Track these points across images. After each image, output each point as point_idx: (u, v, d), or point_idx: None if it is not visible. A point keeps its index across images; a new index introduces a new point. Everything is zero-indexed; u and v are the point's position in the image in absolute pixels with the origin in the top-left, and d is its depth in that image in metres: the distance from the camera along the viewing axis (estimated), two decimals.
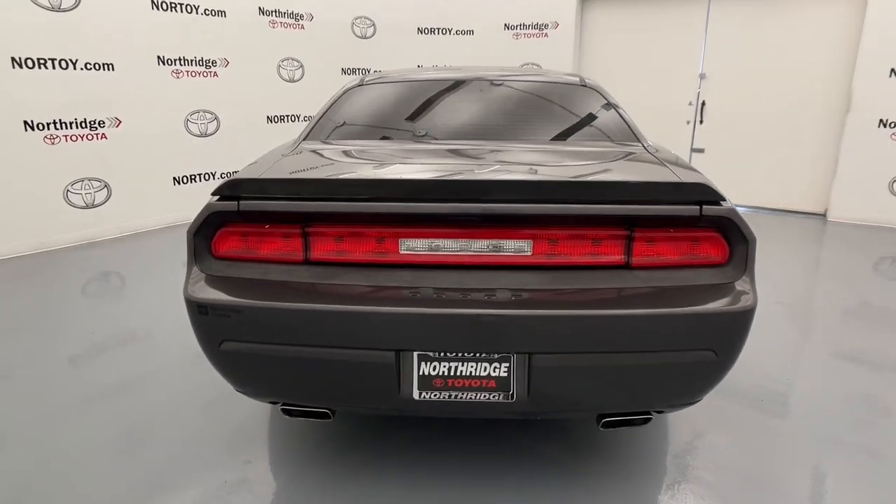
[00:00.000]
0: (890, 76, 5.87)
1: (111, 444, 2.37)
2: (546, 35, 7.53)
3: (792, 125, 6.67)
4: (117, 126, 5.33)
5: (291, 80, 6.74)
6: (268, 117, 6.60)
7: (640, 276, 1.80)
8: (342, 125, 2.63)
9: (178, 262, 4.80)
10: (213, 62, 5.97)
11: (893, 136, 5.96)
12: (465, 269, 1.81)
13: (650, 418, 1.93)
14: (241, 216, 1.81)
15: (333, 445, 2.36)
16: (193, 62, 5.80)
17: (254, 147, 6.35)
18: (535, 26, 7.57)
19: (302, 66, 6.80)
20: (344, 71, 7.26)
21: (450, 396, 1.79)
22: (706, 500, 2.07)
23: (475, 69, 2.99)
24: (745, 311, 1.74)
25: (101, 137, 5.24)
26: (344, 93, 2.84)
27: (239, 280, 1.83)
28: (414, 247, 1.80)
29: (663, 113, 7.21)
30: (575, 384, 1.79)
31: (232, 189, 1.80)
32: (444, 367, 1.78)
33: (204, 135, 6.02)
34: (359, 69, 7.37)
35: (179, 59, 5.68)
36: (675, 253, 1.81)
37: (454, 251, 1.80)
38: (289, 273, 1.83)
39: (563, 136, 2.54)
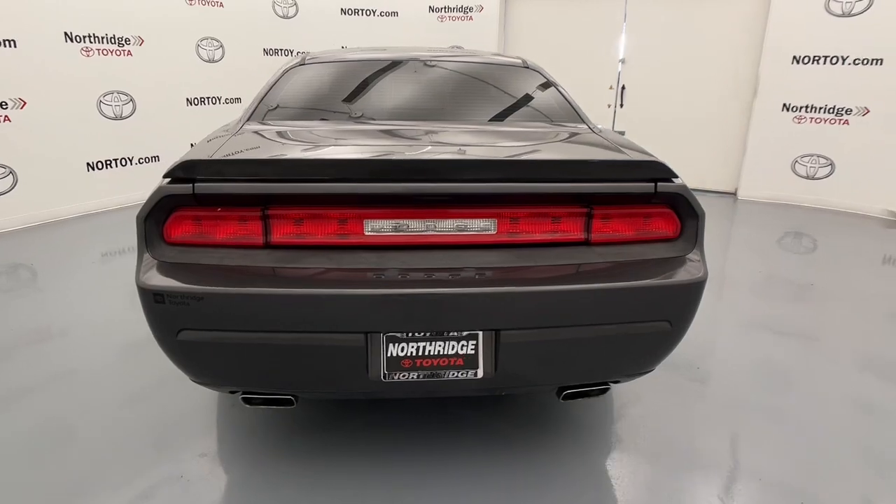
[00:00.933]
0: (792, 63, 6.33)
1: (49, 445, 2.22)
2: (471, 18, 7.57)
3: (706, 109, 7.06)
4: (22, 108, 4.91)
5: (211, 61, 6.43)
6: (187, 99, 6.27)
7: (599, 251, 1.87)
8: (287, 106, 2.55)
9: (95, 254, 4.51)
10: (127, 40, 5.59)
11: (795, 120, 6.44)
12: (431, 249, 1.81)
13: (608, 388, 2.02)
14: (195, 199, 1.73)
15: (287, 432, 2.32)
16: (105, 39, 5.41)
17: (173, 130, 6.08)
18: (459, 9, 7.59)
19: (222, 45, 6.50)
20: (266, 52, 7.00)
21: (418, 376, 1.80)
22: (644, 462, 2.20)
23: (419, 50, 2.97)
24: (698, 283, 1.84)
25: (4, 120, 4.82)
26: (285, 73, 2.74)
27: (196, 266, 1.75)
28: (379, 228, 1.79)
29: (586, 96, 7.38)
30: (540, 359, 1.84)
31: (186, 171, 1.71)
32: (413, 347, 1.78)
33: (119, 117, 5.65)
34: (281, 50, 7.13)
35: (89, 36, 5.28)
36: (631, 229, 1.89)
37: (420, 231, 1.80)
38: (249, 258, 1.76)
39: (512, 117, 2.58)
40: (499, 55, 3.06)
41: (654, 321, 1.85)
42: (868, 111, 6.09)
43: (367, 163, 1.81)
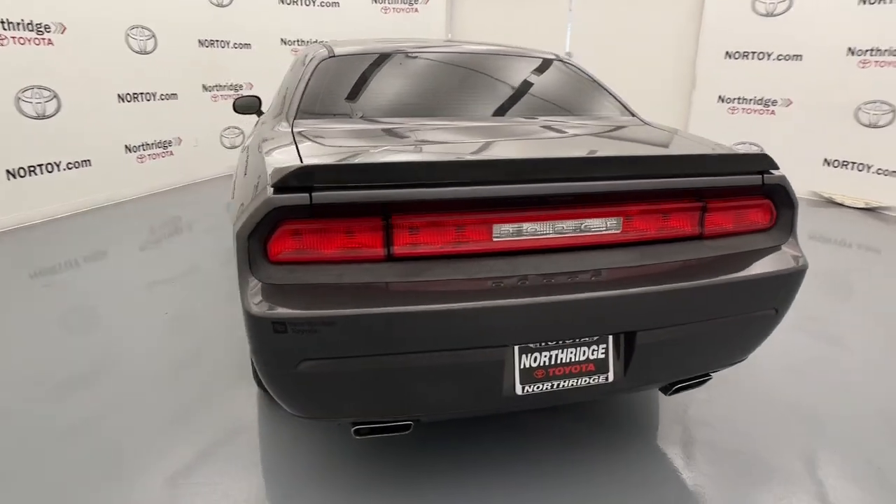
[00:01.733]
0: (725, 58, 6.75)
1: None
2: (416, 10, 7.40)
3: (649, 101, 7.30)
4: None
5: (143, 52, 5.83)
6: (119, 95, 5.65)
7: (711, 245, 1.87)
8: (339, 104, 2.34)
9: (22, 276, 3.90)
10: (47, 27, 4.93)
11: (729, 110, 6.89)
12: (559, 252, 1.72)
13: (710, 378, 2.04)
14: (311, 210, 1.52)
15: (339, 460, 2.15)
16: (20, 26, 4.74)
17: (105, 130, 5.48)
18: (404, 0, 7.39)
19: (154, 35, 5.91)
20: (201, 43, 6.47)
21: (551, 387, 1.71)
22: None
23: (455, 42, 2.86)
24: (803, 270, 1.90)
25: None
26: (316, 67, 2.50)
27: (314, 287, 1.55)
28: (509, 232, 1.67)
29: None
30: (668, 356, 1.82)
31: (302, 179, 1.50)
32: (545, 356, 1.70)
33: (42, 116, 4.98)
34: (217, 41, 6.62)
35: (3, 22, 4.59)
36: (735, 221, 1.91)
37: (549, 234, 1.70)
38: (372, 273, 1.59)
39: (575, 111, 2.54)
40: (533, 49, 2.99)
41: (765, 310, 1.88)
42: (791, 102, 6.61)
43: (505, 164, 1.68)
